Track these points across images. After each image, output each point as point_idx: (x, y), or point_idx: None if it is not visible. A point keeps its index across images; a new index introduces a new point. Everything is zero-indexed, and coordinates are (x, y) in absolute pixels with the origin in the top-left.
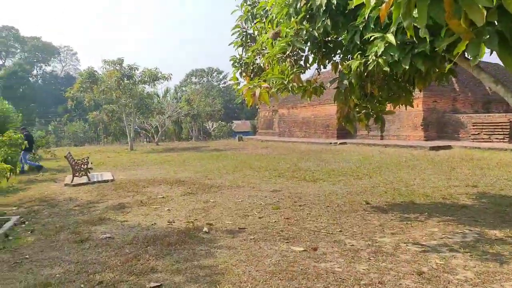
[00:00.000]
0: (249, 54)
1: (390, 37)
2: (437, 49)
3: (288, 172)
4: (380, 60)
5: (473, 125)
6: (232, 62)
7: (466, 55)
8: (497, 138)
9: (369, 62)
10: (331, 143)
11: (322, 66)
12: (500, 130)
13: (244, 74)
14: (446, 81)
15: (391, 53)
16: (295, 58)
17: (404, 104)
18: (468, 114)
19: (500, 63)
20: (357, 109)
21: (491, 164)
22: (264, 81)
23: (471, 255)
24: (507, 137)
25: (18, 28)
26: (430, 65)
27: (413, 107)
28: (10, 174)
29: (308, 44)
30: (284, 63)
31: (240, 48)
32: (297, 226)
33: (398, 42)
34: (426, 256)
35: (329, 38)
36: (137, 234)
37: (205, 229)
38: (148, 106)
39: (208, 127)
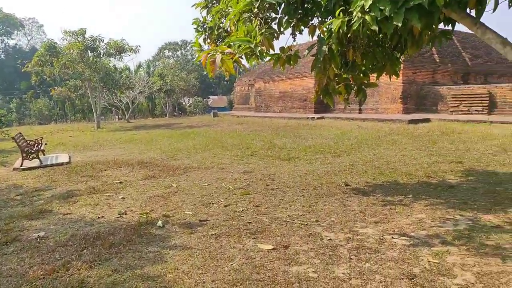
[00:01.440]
0: (213, 15)
1: None
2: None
3: (262, 150)
4: (367, 17)
5: (453, 97)
6: (195, 26)
7: (468, 11)
8: (476, 110)
9: (353, 21)
10: (308, 118)
11: (298, 31)
12: (479, 102)
13: (208, 40)
14: (439, 44)
15: (381, 7)
16: (265, 17)
17: (389, 75)
18: (448, 86)
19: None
20: (337, 80)
21: (473, 138)
22: (229, 46)
23: (467, 249)
24: (486, 109)
25: None
26: (427, 22)
27: (398, 77)
28: None
29: (282, 5)
30: (250, 24)
31: (205, 10)
32: (267, 215)
33: None
34: (416, 252)
35: None
36: (76, 232)
37: (160, 223)
38: (115, 81)
39: (184, 103)
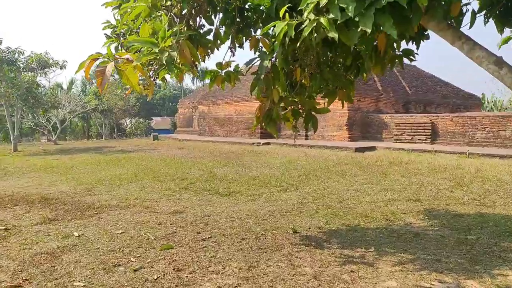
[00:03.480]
0: (121, 15)
1: None
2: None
3: (199, 182)
4: (322, 20)
5: (396, 125)
6: (105, 32)
7: (449, 22)
8: (419, 139)
9: (304, 25)
10: (254, 143)
11: (238, 45)
12: (422, 130)
13: (122, 49)
14: (400, 66)
15: (342, 5)
16: (182, 13)
17: (342, 100)
18: (391, 114)
19: None
20: (282, 105)
21: (423, 169)
22: (127, 50)
23: None
24: (429, 138)
25: None
26: (402, 30)
27: (352, 102)
28: None
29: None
30: (158, 20)
31: (116, 11)
32: (190, 286)
33: None
34: None
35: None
36: None
37: None
38: (37, 98)
39: (125, 124)
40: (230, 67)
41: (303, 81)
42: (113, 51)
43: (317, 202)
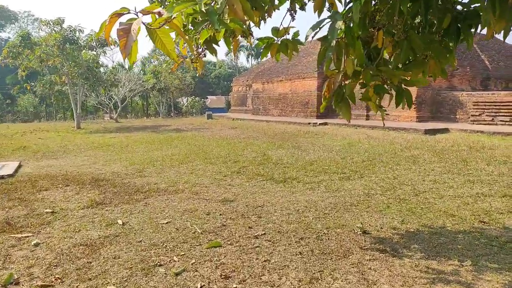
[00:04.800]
0: None
1: None
2: None
3: (252, 165)
4: None
5: (474, 105)
6: None
7: None
8: (502, 121)
9: None
10: (310, 123)
11: (298, 6)
12: (506, 111)
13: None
14: None
15: None
16: None
17: (434, 74)
18: (468, 92)
19: None
20: (361, 79)
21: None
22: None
23: None
24: None
25: None
26: None
27: (446, 77)
28: None
29: None
30: None
31: None
32: None
33: None
34: None
35: None
36: None
37: None
38: (98, 76)
39: (182, 103)
40: (288, 34)
41: (385, 50)
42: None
43: (387, 194)
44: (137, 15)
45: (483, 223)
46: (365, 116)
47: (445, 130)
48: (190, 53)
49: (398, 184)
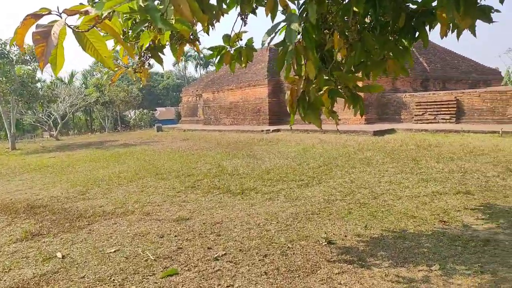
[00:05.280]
0: None
1: None
2: None
3: (207, 178)
4: None
5: (417, 105)
6: None
7: None
8: (443, 119)
9: None
10: (263, 130)
11: (249, 11)
12: (446, 109)
13: None
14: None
15: None
16: None
17: (393, 73)
18: (411, 93)
19: None
20: (315, 85)
21: (458, 153)
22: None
23: None
24: (453, 117)
25: None
26: None
27: (407, 75)
28: None
29: None
30: None
31: None
32: None
33: None
34: None
35: None
36: None
37: None
38: (33, 92)
39: (129, 116)
40: (241, 40)
41: (339, 52)
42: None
43: (347, 199)
44: (60, 16)
45: (443, 223)
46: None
47: (392, 131)
48: (132, 62)
49: (356, 187)
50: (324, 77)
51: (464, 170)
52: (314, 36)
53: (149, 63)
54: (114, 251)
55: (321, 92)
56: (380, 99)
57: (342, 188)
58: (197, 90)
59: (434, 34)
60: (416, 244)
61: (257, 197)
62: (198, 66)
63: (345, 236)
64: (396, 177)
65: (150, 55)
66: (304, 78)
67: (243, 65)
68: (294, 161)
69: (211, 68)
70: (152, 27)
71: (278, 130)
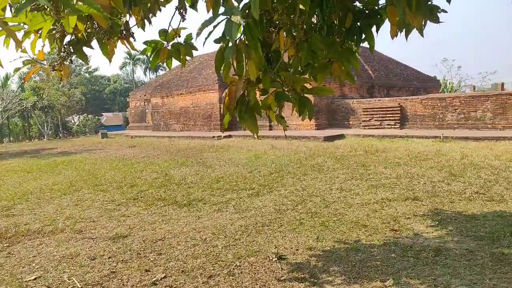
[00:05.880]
0: None
1: None
2: None
3: (152, 188)
4: None
5: (364, 111)
6: None
7: None
8: (388, 124)
9: None
10: (214, 137)
11: (189, 5)
12: (391, 115)
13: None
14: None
15: None
16: None
17: (339, 78)
18: (357, 99)
19: None
20: (260, 86)
21: (404, 158)
22: None
23: None
24: (398, 123)
25: None
26: None
27: (353, 81)
28: None
29: None
30: None
31: None
32: None
33: None
34: None
35: None
36: None
37: None
38: None
39: (73, 121)
40: (179, 37)
41: (286, 52)
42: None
43: (298, 208)
44: None
45: (394, 231)
46: (268, 126)
47: (342, 136)
48: (52, 57)
49: (308, 195)
50: (269, 78)
51: (411, 175)
52: (257, 33)
53: (70, 60)
54: (35, 279)
55: (266, 95)
56: (330, 104)
57: (293, 196)
58: (145, 95)
59: (378, 43)
60: (369, 256)
61: (205, 208)
62: (147, 70)
63: (297, 249)
64: (347, 183)
65: (72, 50)
66: (245, 78)
67: (183, 62)
68: (245, 169)
69: (162, 72)
70: (49, 9)
71: (230, 136)
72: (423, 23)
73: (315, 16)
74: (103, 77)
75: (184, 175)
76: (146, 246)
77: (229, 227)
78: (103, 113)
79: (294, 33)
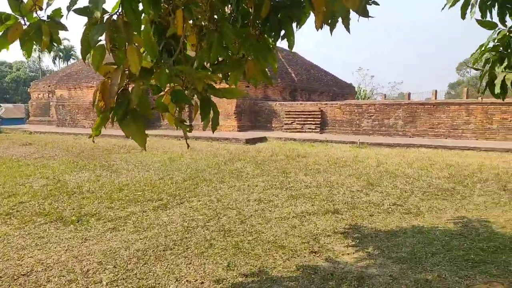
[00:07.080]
0: None
1: None
2: None
3: (35, 199)
4: None
5: (286, 114)
6: None
7: None
8: (309, 128)
9: None
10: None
11: None
12: (312, 119)
13: None
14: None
15: None
16: None
17: (254, 78)
18: (281, 102)
19: None
20: (151, 81)
21: (323, 164)
22: None
23: None
24: (318, 127)
25: None
26: None
27: (271, 83)
28: None
29: None
30: None
31: None
32: None
33: None
34: None
35: None
36: None
37: None
38: None
39: None
40: (41, 9)
41: (186, 40)
42: None
43: (210, 225)
44: None
45: (314, 254)
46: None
47: (264, 139)
48: None
49: (223, 208)
50: (167, 73)
51: (331, 184)
52: (148, 12)
53: None
54: None
55: (162, 93)
56: (253, 106)
57: (206, 209)
58: (49, 86)
59: (300, 47)
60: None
61: (96, 226)
62: (58, 58)
63: (202, 283)
64: (266, 193)
65: None
66: (125, 70)
67: (43, 46)
68: (156, 174)
69: (74, 61)
70: None
71: (146, 135)
72: (349, 17)
73: (229, 5)
74: (3, 63)
75: (80, 182)
76: (2, 284)
77: (122, 253)
78: (1, 104)
79: (196, 16)
